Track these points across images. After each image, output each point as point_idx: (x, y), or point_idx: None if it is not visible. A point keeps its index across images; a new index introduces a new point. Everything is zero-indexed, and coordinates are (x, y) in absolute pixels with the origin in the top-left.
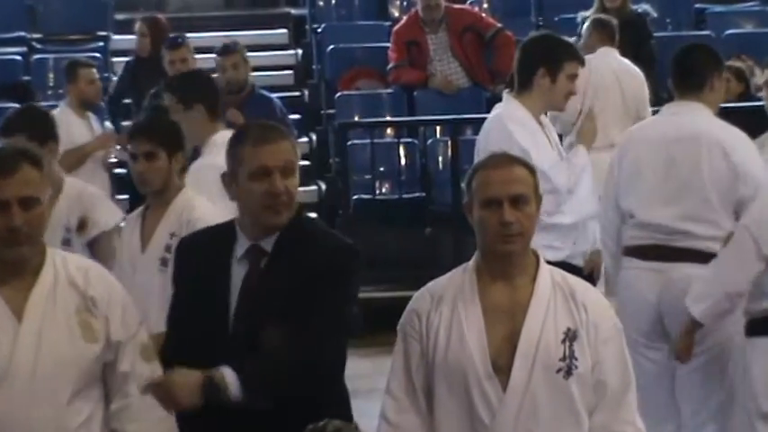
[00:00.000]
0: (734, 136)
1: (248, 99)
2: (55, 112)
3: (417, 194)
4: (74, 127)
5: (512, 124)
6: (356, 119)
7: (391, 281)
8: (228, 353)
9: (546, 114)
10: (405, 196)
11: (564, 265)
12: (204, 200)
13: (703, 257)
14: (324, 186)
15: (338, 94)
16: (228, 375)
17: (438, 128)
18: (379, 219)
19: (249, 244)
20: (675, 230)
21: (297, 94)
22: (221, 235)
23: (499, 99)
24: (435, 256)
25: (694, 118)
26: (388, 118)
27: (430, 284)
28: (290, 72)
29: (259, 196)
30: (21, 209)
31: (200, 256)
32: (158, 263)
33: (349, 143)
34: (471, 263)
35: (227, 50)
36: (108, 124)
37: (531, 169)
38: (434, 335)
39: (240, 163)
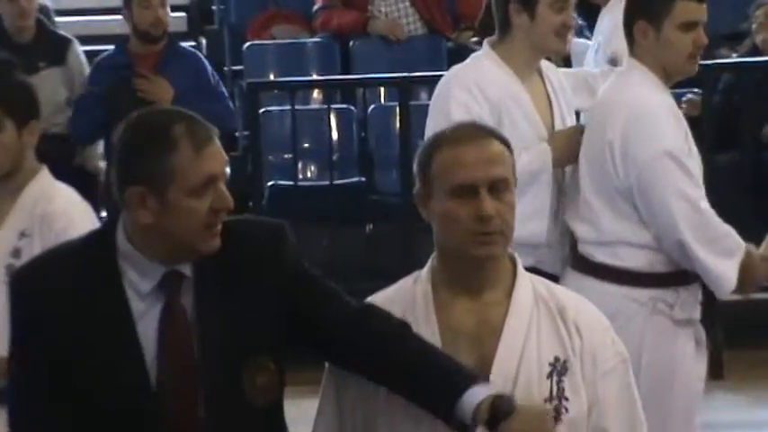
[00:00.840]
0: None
1: (166, 55)
2: None
3: (354, 180)
4: None
5: (457, 87)
6: (271, 77)
7: None
8: None
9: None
10: (338, 182)
11: (535, 272)
12: (66, 187)
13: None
14: (227, 170)
15: (247, 44)
16: None
17: (382, 90)
18: (302, 213)
19: (164, 270)
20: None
21: (191, 43)
22: (86, 264)
23: (463, 50)
24: (378, 262)
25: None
26: (315, 77)
27: (374, 297)
28: (182, 14)
29: (203, 214)
30: None
31: (60, 303)
32: (3, 272)
33: (262, 110)
34: (425, 271)
35: None
36: None
37: (508, 143)
38: None
39: (172, 173)
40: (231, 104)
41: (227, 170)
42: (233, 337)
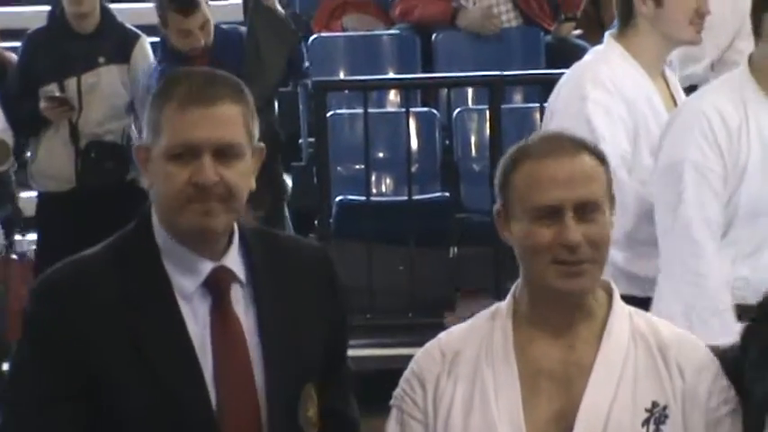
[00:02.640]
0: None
1: (216, 44)
2: None
3: (437, 195)
4: None
5: (592, 85)
6: (341, 76)
7: (393, 330)
8: None
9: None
10: (417, 198)
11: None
12: None
13: None
14: (290, 182)
15: (313, 36)
16: None
17: (469, 91)
18: (375, 232)
19: (211, 266)
20: None
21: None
22: (125, 263)
23: (563, 44)
24: (464, 290)
25: None
26: (392, 75)
27: (442, 335)
28: (238, 2)
29: (180, 184)
30: None
31: (99, 313)
32: None
33: (329, 114)
34: (506, 303)
35: (191, 5)
36: None
37: (602, 158)
38: (446, 412)
39: (156, 130)
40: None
41: (231, 141)
42: (293, 355)
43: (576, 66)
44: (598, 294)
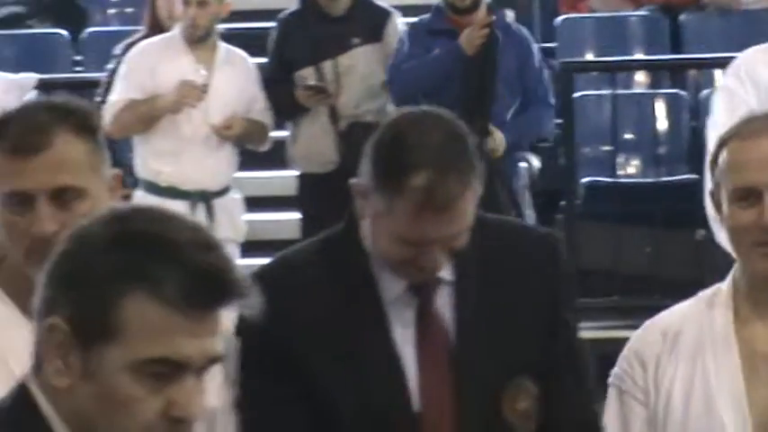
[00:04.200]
0: None
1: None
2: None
3: (684, 177)
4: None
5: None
6: (588, 57)
7: (639, 312)
8: None
9: None
10: (664, 180)
11: None
12: None
13: None
14: (536, 162)
15: (560, 17)
16: None
17: (718, 72)
18: (622, 214)
19: None
20: None
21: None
22: (335, 262)
23: None
24: (709, 273)
25: None
26: (639, 56)
27: (663, 314)
28: None
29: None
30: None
31: (311, 304)
32: None
33: (577, 95)
34: (726, 285)
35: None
36: None
37: None
38: (666, 392)
39: None
40: (551, 97)
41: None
42: (496, 352)
43: None
44: None
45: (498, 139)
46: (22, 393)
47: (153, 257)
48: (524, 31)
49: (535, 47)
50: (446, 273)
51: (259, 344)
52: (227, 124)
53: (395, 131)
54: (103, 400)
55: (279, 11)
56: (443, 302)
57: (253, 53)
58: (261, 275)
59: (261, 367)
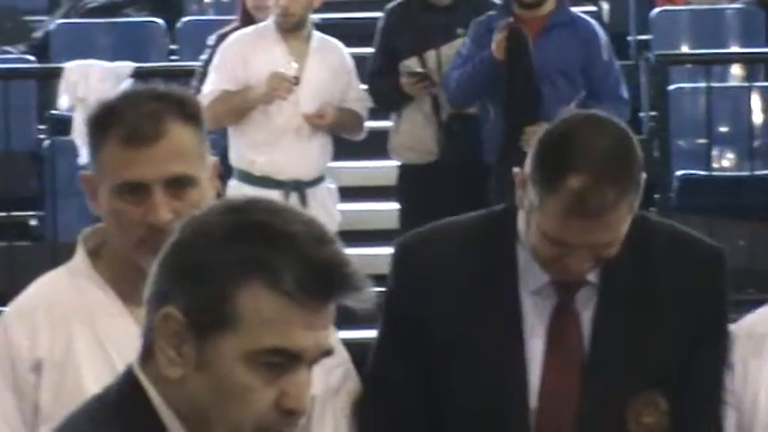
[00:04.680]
0: None
1: (552, 21)
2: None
3: None
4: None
5: None
6: (683, 50)
7: (733, 305)
8: None
9: None
10: (759, 173)
11: None
12: None
13: None
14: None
15: (656, 10)
16: None
17: None
18: (716, 207)
19: None
20: None
21: (591, 8)
22: (481, 245)
23: None
24: None
25: None
26: (735, 49)
27: (750, 317)
28: None
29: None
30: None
31: (446, 286)
32: None
33: (671, 87)
34: None
35: None
36: None
37: None
38: (753, 393)
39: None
40: (625, 90)
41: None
42: (632, 362)
43: None
44: None
45: None
46: (130, 382)
47: (270, 248)
48: (593, 24)
49: (604, 40)
50: (592, 274)
51: (391, 310)
52: (320, 113)
53: (564, 129)
54: (217, 391)
55: (379, 1)
56: (583, 302)
57: (351, 43)
58: (405, 243)
59: (390, 333)
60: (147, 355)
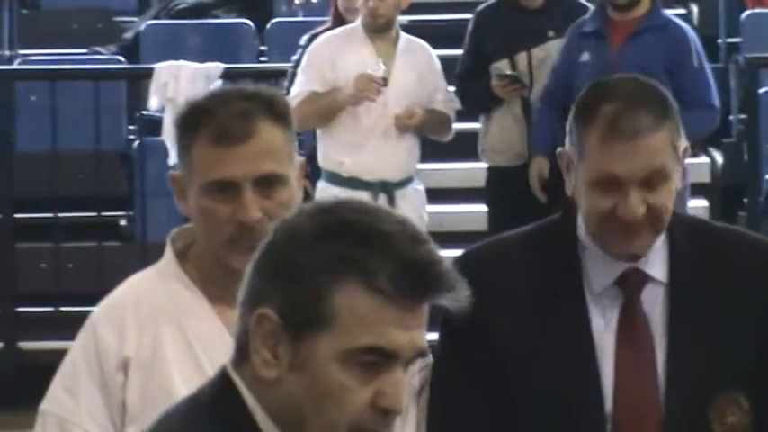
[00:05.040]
0: None
1: (644, 25)
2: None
3: None
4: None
5: None
6: None
7: None
8: None
9: None
10: None
11: None
12: None
13: None
14: (720, 159)
15: (746, 12)
16: None
17: None
18: None
19: (624, 267)
20: None
21: (680, 11)
22: (543, 252)
23: None
24: None
25: None
26: None
27: None
28: None
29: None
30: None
31: (512, 292)
32: None
33: (762, 90)
34: None
35: None
36: None
37: None
38: None
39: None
40: (715, 98)
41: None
42: (711, 362)
43: None
44: None
45: None
46: (224, 384)
47: (364, 247)
48: (685, 29)
49: (695, 45)
50: (659, 272)
51: (453, 322)
52: (408, 114)
53: (596, 82)
54: (312, 391)
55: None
56: (650, 303)
57: (438, 45)
58: (469, 256)
59: (452, 346)
60: (242, 356)
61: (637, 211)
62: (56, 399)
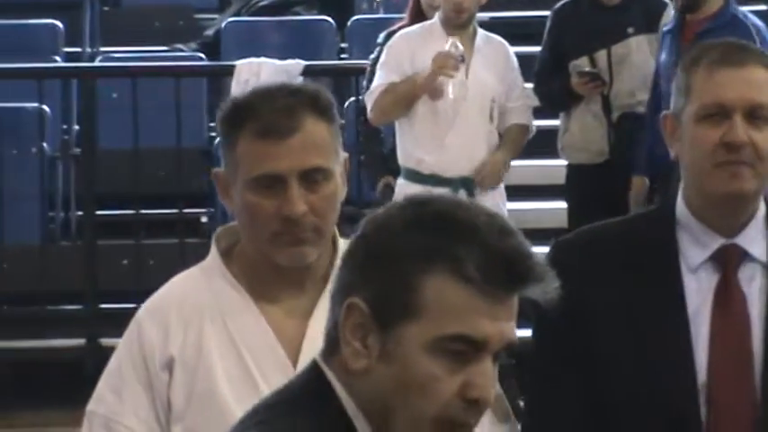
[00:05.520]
0: None
1: (712, 23)
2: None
3: None
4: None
5: None
6: None
7: None
8: None
9: None
10: None
11: None
12: None
13: None
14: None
15: None
16: None
17: None
18: None
19: (721, 241)
20: None
21: (762, 7)
22: (640, 234)
23: None
24: None
25: None
26: None
27: None
28: None
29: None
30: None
31: (605, 279)
32: None
33: None
34: None
35: None
36: None
37: None
38: None
39: (687, 94)
40: None
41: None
42: None
43: None
44: None
45: None
46: (315, 376)
47: (454, 238)
48: (753, 25)
49: (764, 41)
50: (757, 250)
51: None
52: (492, 170)
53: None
54: (401, 381)
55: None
56: (749, 282)
57: (515, 42)
58: (565, 241)
59: (547, 333)
60: (332, 348)
61: (742, 135)
62: (102, 399)
